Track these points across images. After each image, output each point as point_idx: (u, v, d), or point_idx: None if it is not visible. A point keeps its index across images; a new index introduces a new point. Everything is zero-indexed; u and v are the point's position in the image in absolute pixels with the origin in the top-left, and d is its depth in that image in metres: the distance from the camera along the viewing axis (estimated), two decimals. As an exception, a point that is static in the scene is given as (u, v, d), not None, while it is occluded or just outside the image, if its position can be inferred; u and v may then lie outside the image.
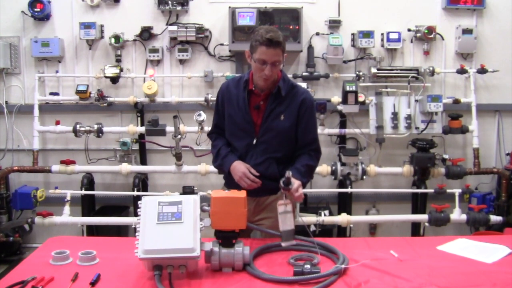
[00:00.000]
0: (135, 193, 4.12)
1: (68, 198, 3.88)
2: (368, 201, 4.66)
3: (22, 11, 4.42)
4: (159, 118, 4.05)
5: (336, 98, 4.34)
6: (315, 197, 4.48)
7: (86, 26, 4.33)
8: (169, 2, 4.32)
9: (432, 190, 4.07)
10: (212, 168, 4.15)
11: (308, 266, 1.98)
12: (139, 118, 4.45)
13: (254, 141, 2.52)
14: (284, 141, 2.53)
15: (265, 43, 2.33)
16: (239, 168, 2.47)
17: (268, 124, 2.49)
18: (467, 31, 4.45)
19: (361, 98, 4.18)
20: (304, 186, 2.41)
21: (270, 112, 2.48)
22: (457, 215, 3.97)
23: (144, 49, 4.49)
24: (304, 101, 2.52)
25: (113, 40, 4.39)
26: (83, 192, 4.19)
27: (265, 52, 2.34)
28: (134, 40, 4.47)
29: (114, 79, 4.40)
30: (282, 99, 2.48)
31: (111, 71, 4.35)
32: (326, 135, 4.40)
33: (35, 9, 4.33)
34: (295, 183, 2.27)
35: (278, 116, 2.49)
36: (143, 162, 4.53)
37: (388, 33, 4.41)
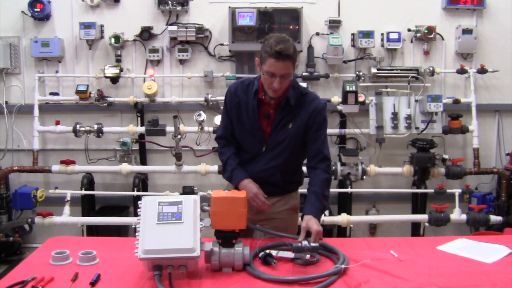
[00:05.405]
0: (135, 193, 4.12)
1: (68, 198, 3.89)
2: (368, 201, 4.66)
3: (22, 11, 4.42)
4: (159, 118, 4.05)
5: (336, 98, 4.33)
6: (315, 197, 4.47)
7: (86, 26, 4.33)
8: (169, 2, 4.32)
9: (432, 190, 4.08)
10: (212, 168, 4.16)
11: (306, 242, 2.07)
12: (139, 118, 4.45)
13: (264, 149, 2.49)
14: (291, 148, 2.49)
15: (274, 56, 2.21)
16: (251, 188, 2.41)
17: (276, 133, 2.46)
18: (467, 31, 4.45)
19: (361, 98, 4.19)
20: (324, 211, 2.45)
21: (279, 122, 2.45)
22: (457, 215, 3.97)
23: (144, 49, 4.49)
24: (315, 109, 2.45)
25: (113, 40, 4.39)
26: (83, 192, 4.19)
27: (274, 65, 2.23)
28: (134, 40, 4.47)
29: (114, 79, 4.39)
30: (291, 108, 2.44)
31: (111, 71, 4.35)
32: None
33: (35, 9, 4.32)
34: (313, 228, 2.21)
35: (287, 125, 2.45)
36: (143, 162, 4.53)
37: (388, 33, 4.41)
